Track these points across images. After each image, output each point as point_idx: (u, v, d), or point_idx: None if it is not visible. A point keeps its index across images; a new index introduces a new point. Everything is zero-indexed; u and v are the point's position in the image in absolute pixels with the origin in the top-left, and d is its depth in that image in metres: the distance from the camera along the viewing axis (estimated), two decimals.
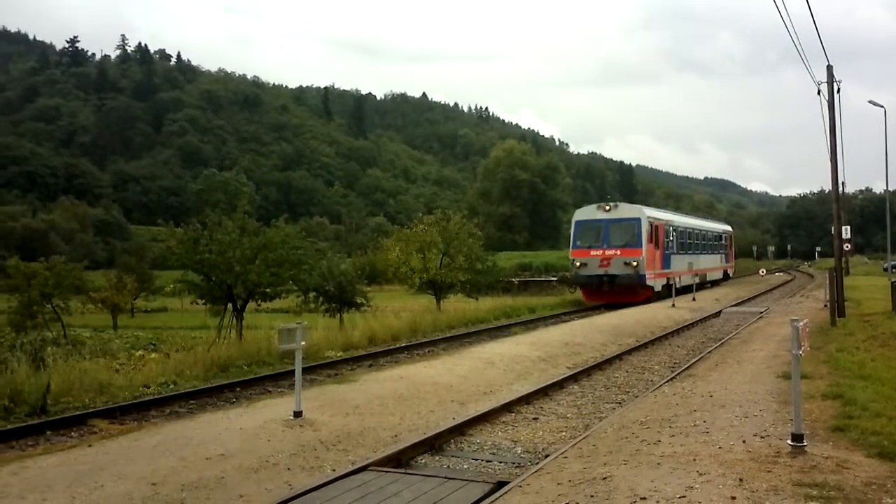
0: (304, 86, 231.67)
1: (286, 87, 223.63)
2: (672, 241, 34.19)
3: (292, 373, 10.01)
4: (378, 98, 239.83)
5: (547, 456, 8.14)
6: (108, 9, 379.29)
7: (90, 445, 8.76)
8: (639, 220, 30.49)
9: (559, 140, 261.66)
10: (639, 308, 27.69)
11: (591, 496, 6.01)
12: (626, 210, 31.76)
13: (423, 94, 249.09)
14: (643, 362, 15.73)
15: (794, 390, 7.26)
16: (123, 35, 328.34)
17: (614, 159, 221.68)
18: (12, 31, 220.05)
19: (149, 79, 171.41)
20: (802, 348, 7.33)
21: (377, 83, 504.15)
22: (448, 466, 8.17)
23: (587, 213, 32.37)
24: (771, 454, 6.90)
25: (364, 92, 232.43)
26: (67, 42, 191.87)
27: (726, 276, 49.44)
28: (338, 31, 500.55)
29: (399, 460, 7.97)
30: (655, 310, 27.04)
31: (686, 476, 6.33)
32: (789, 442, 7.09)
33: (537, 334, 19.22)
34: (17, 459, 8.56)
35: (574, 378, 13.40)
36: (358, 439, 8.78)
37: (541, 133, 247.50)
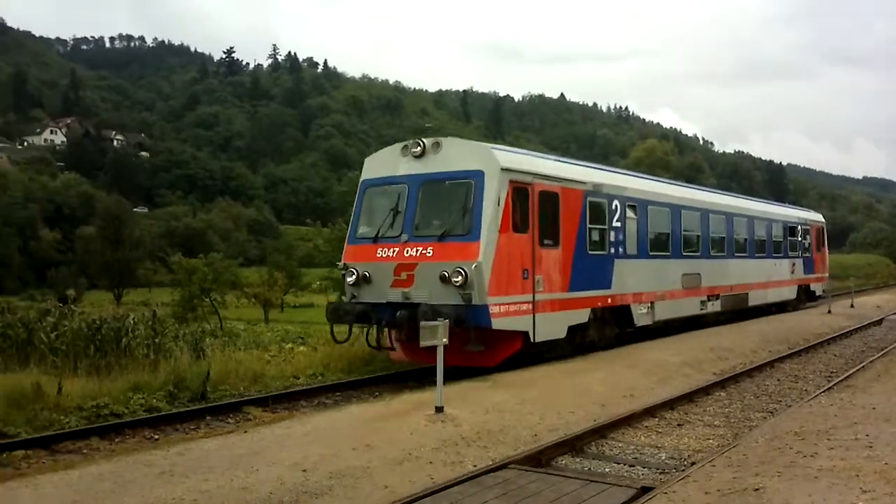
0: (444, 89, 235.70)
1: (426, 90, 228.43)
2: (621, 229, 16.54)
3: (433, 368, 10.18)
4: (516, 100, 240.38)
5: (693, 463, 7.88)
6: (261, 20, 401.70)
7: (246, 431, 9.28)
8: (479, 175, 13.15)
9: (703, 139, 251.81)
10: (791, 314, 26.08)
11: None
12: (454, 154, 13.72)
13: (561, 94, 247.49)
14: (796, 370, 14.89)
15: None
16: (275, 45, 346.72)
17: (762, 158, 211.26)
18: (176, 43, 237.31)
19: (298, 86, 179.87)
20: None
21: (515, 85, 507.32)
22: (589, 469, 8.07)
23: (382, 163, 14.71)
24: None
25: (502, 94, 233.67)
26: (224, 53, 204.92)
27: (809, 295, 29.32)
28: (476, 34, 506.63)
29: (539, 460, 7.94)
30: (809, 316, 25.51)
31: (848, 492, 5.95)
32: None
33: (681, 338, 18.59)
34: (181, 441, 9.23)
35: (721, 384, 12.87)
36: (498, 437, 8.82)
37: (683, 132, 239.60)
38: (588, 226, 15.43)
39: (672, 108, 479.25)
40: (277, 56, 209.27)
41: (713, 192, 25.12)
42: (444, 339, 9.98)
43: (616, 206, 16.44)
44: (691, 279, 19.74)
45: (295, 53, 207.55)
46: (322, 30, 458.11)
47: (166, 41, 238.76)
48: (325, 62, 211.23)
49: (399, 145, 14.55)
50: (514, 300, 13.20)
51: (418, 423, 9.20)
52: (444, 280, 12.66)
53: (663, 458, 8.52)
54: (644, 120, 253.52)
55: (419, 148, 13.87)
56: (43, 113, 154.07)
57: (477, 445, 8.42)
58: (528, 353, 13.88)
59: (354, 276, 13.79)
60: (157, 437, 10.09)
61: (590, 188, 15.68)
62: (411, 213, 13.67)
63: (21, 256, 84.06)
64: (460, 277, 12.49)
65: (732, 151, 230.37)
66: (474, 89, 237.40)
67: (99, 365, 14.85)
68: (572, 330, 14.84)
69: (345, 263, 14.20)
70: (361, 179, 15.05)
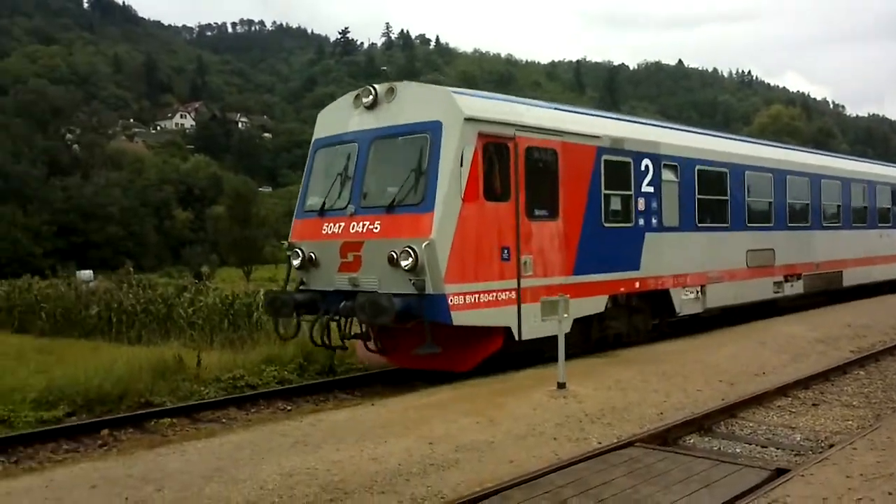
0: (556, 61, 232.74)
1: (538, 62, 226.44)
2: (654, 195, 13.64)
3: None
4: (631, 68, 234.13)
5: (832, 446, 7.52)
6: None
7: (373, 404, 9.58)
8: (437, 126, 10.52)
9: (833, 102, 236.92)
10: None
11: (890, 493, 5.47)
12: (410, 102, 11.05)
13: (679, 60, 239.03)
14: None
15: None
16: (388, 23, 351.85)
17: None
18: (294, 26, 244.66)
19: (411, 63, 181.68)
20: None
21: (629, 53, 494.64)
22: (719, 449, 7.85)
23: (333, 117, 12.27)
24: None
25: (616, 63, 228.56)
26: (339, 34, 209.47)
27: None
28: (589, 2, 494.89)
29: (665, 438, 7.78)
30: None
31: None
32: None
33: (814, 314, 17.76)
34: (312, 412, 9.63)
35: (859, 363, 12.19)
36: (622, 414, 8.71)
37: (811, 96, 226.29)
38: (603, 191, 12.56)
39: (799, 71, 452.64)
40: (390, 34, 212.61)
41: (791, 150, 20.82)
42: (565, 314, 9.91)
43: (646, 166, 13.40)
44: (761, 256, 16.53)
45: (407, 31, 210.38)
46: (434, 6, 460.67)
47: (284, 24, 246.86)
48: (437, 38, 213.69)
49: (352, 94, 11.93)
50: (488, 288, 10.58)
51: (540, 399, 9.21)
52: (393, 262, 10.16)
53: (798, 439, 8.18)
54: (769, 84, 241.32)
55: (371, 96, 11.32)
56: (173, 98, 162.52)
57: (601, 422, 8.35)
58: (516, 354, 11.15)
59: (300, 259, 11.51)
60: (289, 408, 10.56)
61: (606, 144, 12.64)
62: (359, 179, 11.17)
63: (157, 236, 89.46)
64: (410, 259, 10.00)
65: (866, 115, 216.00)
66: (588, 59, 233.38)
67: (233, 338, 15.67)
68: (583, 322, 12.11)
69: (290, 242, 11.87)
70: (313, 139, 12.50)
